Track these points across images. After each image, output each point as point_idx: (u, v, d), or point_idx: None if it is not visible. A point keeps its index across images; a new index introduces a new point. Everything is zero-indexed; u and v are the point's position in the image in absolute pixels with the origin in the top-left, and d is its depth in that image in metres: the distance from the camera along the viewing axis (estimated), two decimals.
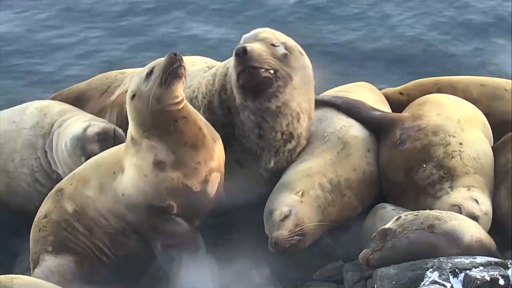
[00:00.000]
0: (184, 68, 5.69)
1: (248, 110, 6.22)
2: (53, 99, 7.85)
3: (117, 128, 6.75)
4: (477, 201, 5.94)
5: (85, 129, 6.65)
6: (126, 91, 7.02)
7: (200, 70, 6.76)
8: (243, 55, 5.98)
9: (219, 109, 6.37)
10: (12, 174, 7.07)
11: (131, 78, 7.23)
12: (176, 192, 5.86)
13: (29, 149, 7.04)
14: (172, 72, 5.66)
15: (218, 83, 6.40)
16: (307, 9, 12.08)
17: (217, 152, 5.98)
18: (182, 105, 5.78)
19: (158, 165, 5.83)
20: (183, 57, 5.82)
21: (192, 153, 5.83)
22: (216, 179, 5.98)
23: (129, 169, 5.93)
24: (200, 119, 5.96)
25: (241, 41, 6.26)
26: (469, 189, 6.08)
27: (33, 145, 7.04)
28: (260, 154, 6.39)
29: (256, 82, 6.07)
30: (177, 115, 5.77)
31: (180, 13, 11.99)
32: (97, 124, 6.72)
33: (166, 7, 12.15)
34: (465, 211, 5.82)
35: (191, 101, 6.33)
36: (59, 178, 6.71)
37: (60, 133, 6.91)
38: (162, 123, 5.79)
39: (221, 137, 6.16)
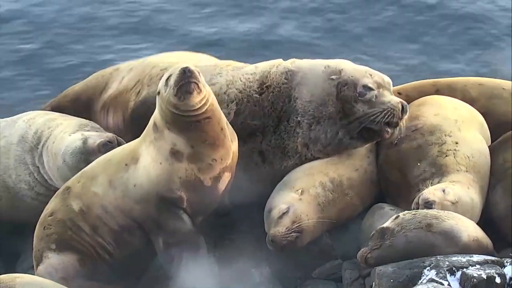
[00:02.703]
0: (196, 83, 5.74)
1: (332, 128, 6.38)
2: (50, 105, 7.90)
3: (115, 135, 6.75)
4: (444, 191, 5.94)
5: (84, 142, 6.59)
6: (126, 85, 7.13)
7: (214, 67, 6.84)
8: (403, 112, 6.27)
9: (268, 102, 6.47)
10: (12, 190, 7.05)
11: (129, 71, 7.30)
12: (188, 184, 5.96)
13: (21, 165, 7.01)
14: (181, 88, 5.74)
15: (272, 81, 6.49)
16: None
17: (233, 151, 6.09)
18: (204, 109, 5.84)
19: (175, 154, 5.93)
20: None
21: (210, 151, 5.94)
22: (227, 178, 6.09)
23: (145, 157, 6.03)
24: (223, 118, 6.04)
25: (384, 80, 6.43)
26: (451, 184, 6.11)
27: (23, 161, 7.01)
28: (290, 156, 6.51)
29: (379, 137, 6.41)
30: (199, 117, 5.86)
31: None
32: (95, 135, 6.68)
33: None
34: (421, 197, 5.84)
35: (218, 96, 6.38)
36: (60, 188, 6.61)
37: (49, 149, 6.85)
38: (183, 123, 5.88)
39: (255, 126, 6.41)
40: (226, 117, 6.30)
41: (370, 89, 6.31)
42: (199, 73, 5.84)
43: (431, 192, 5.90)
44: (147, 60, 7.45)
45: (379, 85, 6.36)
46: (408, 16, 11.82)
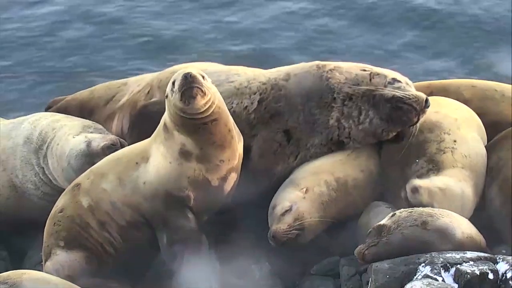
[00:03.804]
0: (199, 87, 5.86)
1: (364, 105, 6.61)
2: (55, 103, 8.05)
3: (118, 137, 6.87)
4: (431, 180, 6.09)
5: (88, 145, 6.71)
6: (136, 93, 7.22)
7: (229, 69, 7.04)
8: (426, 105, 6.56)
9: (296, 84, 6.68)
10: (20, 189, 7.14)
11: (138, 86, 7.44)
12: (195, 183, 6.10)
13: (27, 165, 7.11)
14: (185, 93, 5.87)
15: (301, 70, 6.76)
16: None
17: (239, 152, 6.23)
18: (210, 111, 5.97)
19: (184, 154, 6.07)
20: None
21: (218, 152, 6.08)
22: (233, 179, 6.22)
23: (155, 156, 6.16)
24: (231, 120, 6.16)
25: (409, 81, 6.78)
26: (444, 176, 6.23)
27: (29, 162, 7.10)
28: (318, 132, 6.67)
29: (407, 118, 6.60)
30: (206, 120, 5.99)
31: None
32: (98, 137, 6.80)
33: None
34: (409, 185, 6.01)
35: (238, 90, 6.70)
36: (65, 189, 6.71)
37: (54, 151, 6.95)
38: (191, 125, 6.02)
39: (280, 107, 6.61)
40: (248, 106, 6.57)
41: (399, 81, 6.67)
42: (203, 77, 5.96)
43: (416, 180, 6.06)
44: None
45: (406, 83, 6.72)
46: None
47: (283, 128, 6.66)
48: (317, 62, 6.87)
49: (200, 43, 11.66)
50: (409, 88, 6.69)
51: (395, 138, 6.69)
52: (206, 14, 12.27)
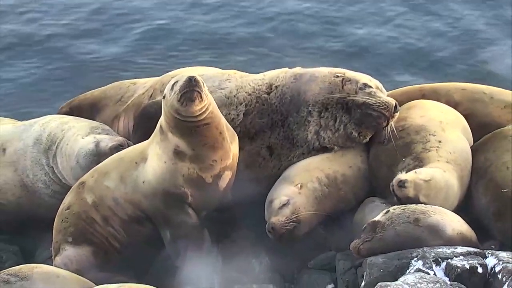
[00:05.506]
0: (199, 92, 6.06)
1: (339, 113, 6.86)
2: (69, 104, 8.21)
3: (125, 139, 7.08)
4: (416, 172, 6.26)
5: (97, 145, 6.92)
6: (141, 95, 7.41)
7: (223, 74, 7.29)
8: (396, 110, 6.85)
9: (276, 99, 6.94)
10: (31, 188, 7.32)
11: (144, 87, 7.65)
12: (190, 181, 6.30)
13: (37, 166, 7.29)
14: (184, 95, 6.07)
15: (281, 82, 7.01)
16: None
17: (232, 152, 6.42)
18: (203, 117, 6.17)
19: (178, 154, 6.26)
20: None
21: (210, 153, 6.27)
22: (228, 176, 6.42)
23: (151, 157, 6.37)
24: (222, 123, 6.35)
25: (381, 86, 7.04)
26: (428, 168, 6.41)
27: (39, 162, 7.29)
28: (298, 146, 6.92)
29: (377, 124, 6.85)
30: (198, 123, 6.19)
31: None
32: (106, 138, 7.01)
33: None
34: (395, 179, 6.18)
35: (227, 99, 6.95)
36: None
37: (63, 151, 7.15)
38: (183, 128, 6.22)
39: (263, 123, 6.86)
40: (235, 118, 6.79)
41: (369, 86, 6.90)
42: (203, 83, 6.16)
43: (403, 173, 6.24)
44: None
45: (377, 87, 6.97)
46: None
47: (266, 144, 6.94)
48: (297, 70, 7.11)
49: None
50: (380, 92, 6.94)
51: (377, 138, 6.95)
52: None
